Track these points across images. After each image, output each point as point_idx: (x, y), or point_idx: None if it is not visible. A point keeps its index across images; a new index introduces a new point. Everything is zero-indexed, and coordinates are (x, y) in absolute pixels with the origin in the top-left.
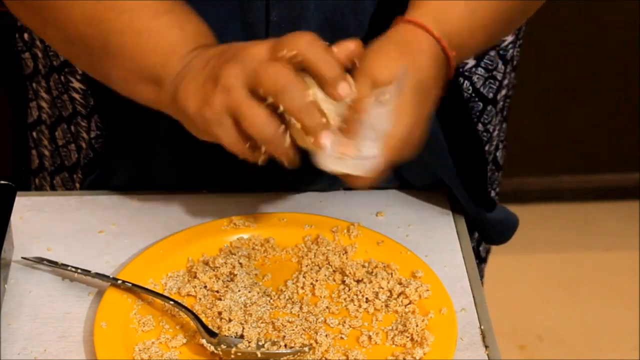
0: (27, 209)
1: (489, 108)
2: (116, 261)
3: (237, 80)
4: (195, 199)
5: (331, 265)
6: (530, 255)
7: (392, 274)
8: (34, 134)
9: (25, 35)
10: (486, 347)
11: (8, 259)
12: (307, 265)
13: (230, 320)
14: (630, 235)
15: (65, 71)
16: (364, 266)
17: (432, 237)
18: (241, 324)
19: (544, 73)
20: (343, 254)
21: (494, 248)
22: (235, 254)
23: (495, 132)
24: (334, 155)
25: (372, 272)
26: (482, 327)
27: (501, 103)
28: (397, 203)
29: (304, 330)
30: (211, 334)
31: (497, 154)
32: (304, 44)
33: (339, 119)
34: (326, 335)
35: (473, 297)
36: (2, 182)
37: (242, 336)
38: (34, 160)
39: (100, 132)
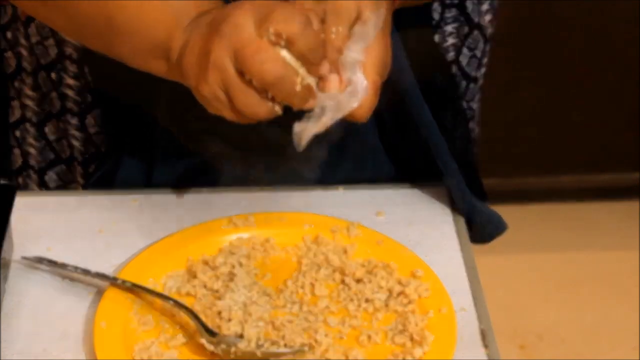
0: (27, 208)
1: (471, 86)
2: (116, 260)
3: (224, 60)
4: (195, 198)
5: (331, 265)
6: (530, 255)
7: (391, 273)
8: (17, 132)
9: (8, 34)
10: (486, 346)
11: (8, 258)
12: (306, 265)
13: (230, 320)
14: (630, 235)
15: (57, 68)
16: (363, 266)
17: (432, 237)
18: (241, 323)
19: (544, 72)
20: (343, 254)
21: (494, 248)
22: (235, 254)
23: (477, 110)
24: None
25: (371, 272)
26: (481, 327)
27: (481, 80)
28: (397, 202)
29: (303, 329)
30: (211, 333)
31: (476, 129)
32: (298, 28)
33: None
34: (326, 335)
35: (473, 296)
36: (2, 181)
37: (241, 336)
38: (17, 159)
39: (99, 129)
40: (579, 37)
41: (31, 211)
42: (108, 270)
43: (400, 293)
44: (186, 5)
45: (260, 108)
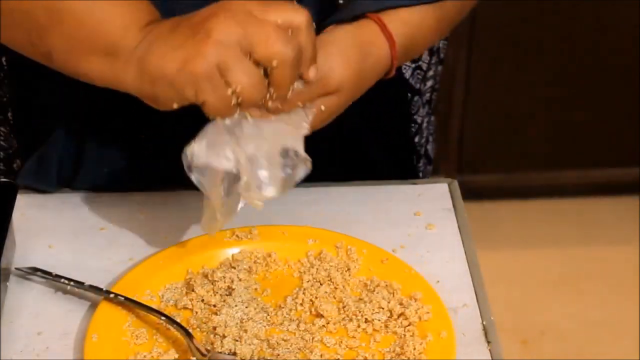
0: (28, 206)
1: (415, 99)
2: (118, 258)
3: (231, 36)
4: (195, 197)
5: (332, 282)
6: (532, 251)
7: (393, 294)
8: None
9: None
10: (488, 342)
11: (9, 256)
12: (308, 282)
13: (224, 337)
14: (632, 230)
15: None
16: (365, 284)
17: (434, 233)
18: (235, 340)
19: (545, 69)
20: (346, 271)
21: (496, 244)
22: (235, 268)
23: (424, 125)
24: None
25: (373, 291)
26: (484, 323)
27: (427, 95)
28: (397, 199)
29: (299, 349)
30: (202, 352)
31: (428, 147)
32: (305, 27)
33: None
34: (321, 355)
35: (475, 292)
36: (3, 179)
37: (234, 353)
38: None
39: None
40: (580, 33)
41: (33, 209)
42: (109, 268)
43: (401, 315)
44: (141, 10)
45: (259, 90)
